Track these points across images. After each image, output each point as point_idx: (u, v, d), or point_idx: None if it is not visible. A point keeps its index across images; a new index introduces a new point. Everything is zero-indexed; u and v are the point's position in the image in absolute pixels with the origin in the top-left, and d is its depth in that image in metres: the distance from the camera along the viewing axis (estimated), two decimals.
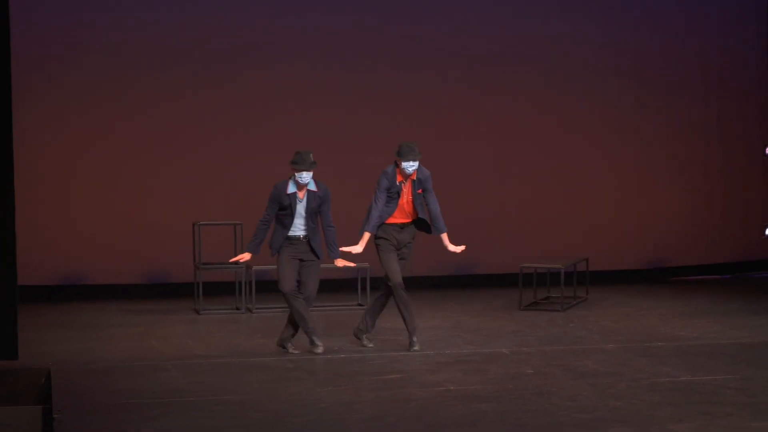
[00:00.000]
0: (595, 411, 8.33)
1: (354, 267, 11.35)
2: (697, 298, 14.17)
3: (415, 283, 14.87)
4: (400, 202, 10.72)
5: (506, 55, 15.48)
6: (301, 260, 10.68)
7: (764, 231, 16.22)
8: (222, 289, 14.01)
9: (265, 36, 14.90)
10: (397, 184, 10.71)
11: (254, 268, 13.33)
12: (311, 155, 10.63)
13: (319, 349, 10.56)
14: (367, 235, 10.67)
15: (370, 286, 13.51)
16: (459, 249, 11.03)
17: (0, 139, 9.92)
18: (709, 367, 9.92)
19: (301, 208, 10.65)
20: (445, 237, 10.93)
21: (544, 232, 15.47)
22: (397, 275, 10.62)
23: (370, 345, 10.93)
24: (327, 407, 8.54)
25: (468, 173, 15.38)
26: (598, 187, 15.79)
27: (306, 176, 10.63)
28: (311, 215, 10.68)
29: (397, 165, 10.70)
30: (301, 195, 10.67)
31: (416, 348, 10.69)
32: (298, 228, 10.68)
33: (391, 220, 10.75)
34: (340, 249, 10.78)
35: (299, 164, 10.58)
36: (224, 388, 9.20)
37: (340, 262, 10.93)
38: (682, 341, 11.21)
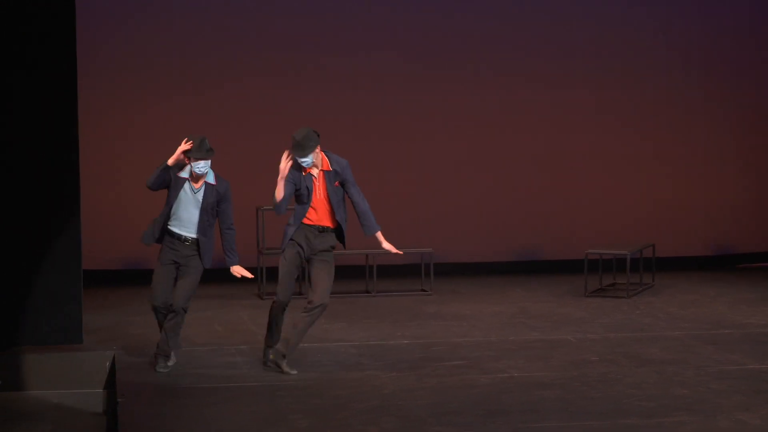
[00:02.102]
0: (661, 399, 8.24)
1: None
2: (765, 285, 13.99)
3: (480, 269, 14.88)
4: (312, 199, 9.19)
5: (558, 45, 15.32)
6: (177, 265, 9.45)
7: None
8: None
9: (317, 21, 14.89)
10: (307, 175, 9.19)
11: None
12: (207, 141, 9.24)
13: (161, 368, 9.34)
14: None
15: (434, 272, 13.47)
16: (393, 249, 9.42)
17: (65, 125, 10.04)
18: None
19: (192, 200, 9.32)
20: (379, 235, 9.36)
21: (610, 218, 15.35)
22: (282, 292, 9.31)
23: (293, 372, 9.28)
24: (389, 393, 8.52)
25: (535, 161, 15.30)
26: (665, 173, 15.64)
27: (203, 165, 9.24)
28: (207, 213, 9.33)
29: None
30: (197, 186, 9.33)
31: (289, 371, 9.20)
32: (186, 225, 9.38)
33: (308, 221, 9.25)
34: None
35: (193, 152, 9.19)
36: (286, 374, 9.19)
37: (238, 270, 9.60)
38: (750, 329, 11.07)
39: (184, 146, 9.23)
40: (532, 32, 15.29)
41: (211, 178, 9.34)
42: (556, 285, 14.08)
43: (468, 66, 15.19)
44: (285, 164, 9.11)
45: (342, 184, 9.25)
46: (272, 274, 13.60)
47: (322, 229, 9.23)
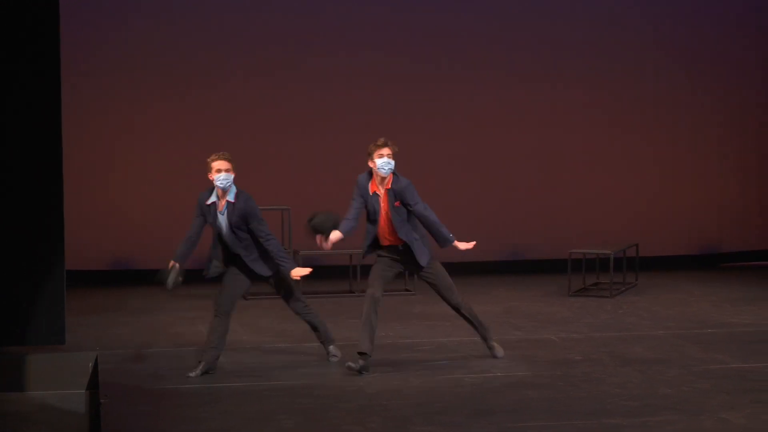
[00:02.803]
0: (645, 398, 8.24)
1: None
2: (749, 284, 14.03)
3: (465, 269, 14.84)
4: (378, 218, 9.25)
5: (551, 43, 15.40)
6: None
7: None
8: None
9: (313, 21, 14.89)
10: (373, 194, 9.27)
11: (301, 252, 13.34)
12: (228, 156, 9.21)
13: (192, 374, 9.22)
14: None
15: None
16: (470, 245, 9.42)
17: (49, 125, 9.99)
18: (762, 354, 9.80)
19: (222, 223, 9.26)
20: (456, 244, 9.40)
21: (594, 218, 15.38)
22: (373, 285, 9.32)
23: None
24: (375, 393, 8.51)
25: (518, 160, 15.32)
26: (649, 172, 15.68)
27: (224, 178, 9.16)
28: (237, 231, 9.25)
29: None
30: (221, 208, 9.27)
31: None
32: (232, 246, 9.27)
33: (385, 242, 9.36)
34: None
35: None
36: (273, 374, 9.19)
37: (297, 273, 9.32)
38: (735, 328, 11.09)
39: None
40: (519, 31, 15.32)
41: (231, 196, 9.23)
42: (540, 285, 14.09)
43: (456, 65, 15.22)
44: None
45: (403, 204, 9.21)
46: None
47: (402, 247, 9.27)
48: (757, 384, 8.66)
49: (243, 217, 9.18)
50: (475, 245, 9.47)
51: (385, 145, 9.19)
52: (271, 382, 8.92)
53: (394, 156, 9.24)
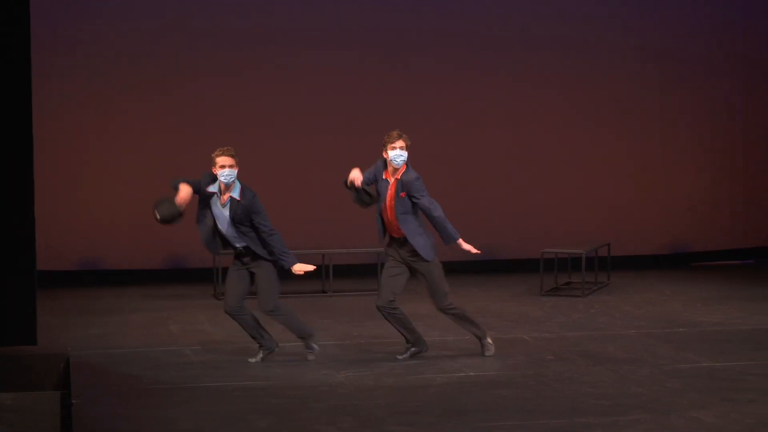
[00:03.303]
0: (616, 397, 8.27)
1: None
2: (719, 284, 14.09)
3: None
4: (382, 206, 9.49)
5: (525, 40, 15.43)
6: (249, 271, 9.53)
7: None
8: None
9: (282, 20, 14.87)
10: (384, 180, 9.52)
11: None
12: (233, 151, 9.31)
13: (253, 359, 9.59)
14: None
15: None
16: (473, 249, 9.59)
17: (19, 124, 9.93)
18: (731, 353, 9.85)
19: (222, 216, 9.36)
20: (460, 243, 9.58)
21: (566, 218, 15.42)
22: (382, 293, 9.54)
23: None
24: (347, 393, 8.50)
25: (489, 159, 15.35)
26: (620, 172, 15.72)
27: (228, 174, 9.28)
28: (239, 226, 9.34)
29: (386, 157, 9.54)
30: (223, 201, 9.37)
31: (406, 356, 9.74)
32: (231, 239, 9.39)
33: (393, 233, 9.57)
34: None
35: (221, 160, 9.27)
36: (244, 374, 9.18)
37: (299, 269, 9.44)
38: (705, 327, 11.14)
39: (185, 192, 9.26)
40: (493, 30, 15.35)
41: (236, 192, 9.30)
42: (512, 284, 14.11)
43: (430, 65, 15.21)
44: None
45: (409, 197, 9.39)
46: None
47: (405, 240, 9.45)
48: (727, 383, 8.70)
49: (247, 213, 9.28)
50: (479, 253, 9.67)
51: (399, 137, 9.46)
52: (243, 382, 8.90)
53: (408, 148, 9.48)
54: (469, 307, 12.30)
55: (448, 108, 15.22)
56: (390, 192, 9.45)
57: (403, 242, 9.49)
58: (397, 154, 9.44)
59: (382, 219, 9.55)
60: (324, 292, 13.49)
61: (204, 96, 14.66)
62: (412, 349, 9.73)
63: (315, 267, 9.61)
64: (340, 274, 13.88)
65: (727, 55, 15.97)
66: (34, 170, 9.98)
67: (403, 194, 9.40)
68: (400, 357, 9.70)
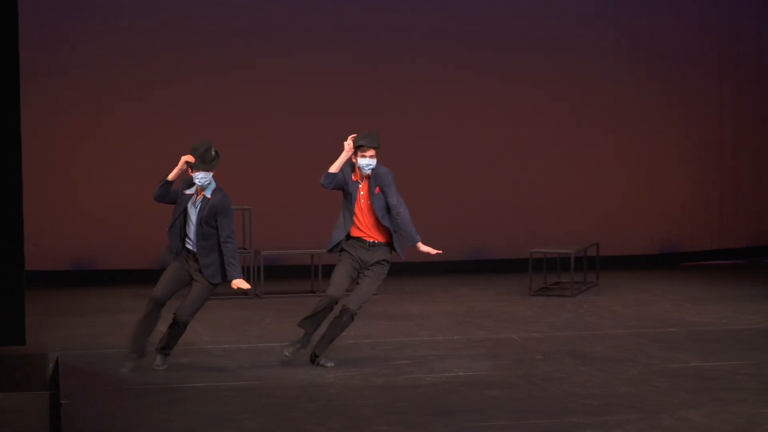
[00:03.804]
0: (606, 397, 8.27)
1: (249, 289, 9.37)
2: (709, 284, 14.11)
3: (427, 269, 14.88)
4: (355, 208, 9.29)
5: (515, 41, 15.44)
6: (191, 277, 9.27)
7: None
8: None
9: (274, 20, 14.86)
10: (354, 182, 9.32)
11: (263, 252, 13.35)
12: (212, 150, 9.08)
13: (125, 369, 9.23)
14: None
15: None
16: (434, 250, 9.33)
17: (8, 123, 9.92)
18: (721, 352, 9.87)
19: (193, 215, 9.17)
20: (419, 246, 9.34)
21: (555, 217, 15.44)
22: (335, 287, 9.32)
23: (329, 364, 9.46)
24: (337, 393, 8.50)
25: (479, 159, 15.36)
26: (610, 173, 15.74)
27: (202, 177, 9.09)
28: (203, 227, 9.12)
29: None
30: (198, 200, 9.20)
31: (327, 364, 9.41)
32: (192, 241, 9.18)
33: (356, 233, 9.36)
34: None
35: (194, 165, 9.06)
36: (234, 374, 9.17)
37: (236, 284, 9.15)
38: (694, 327, 11.15)
39: (187, 158, 9.12)
40: (483, 29, 15.37)
41: (209, 192, 9.13)
42: (501, 284, 14.12)
43: (418, 64, 15.23)
44: (350, 145, 9.23)
45: (382, 191, 9.24)
46: None
47: (372, 244, 9.28)
48: (717, 382, 8.71)
49: (213, 212, 9.09)
50: (440, 253, 9.39)
51: (371, 146, 9.24)
52: (232, 382, 8.89)
53: (378, 153, 9.30)
54: (458, 308, 12.39)
55: (438, 108, 15.22)
56: (364, 193, 9.31)
57: (372, 247, 9.29)
58: (366, 163, 9.25)
59: (349, 223, 9.32)
60: (313, 292, 13.49)
61: (193, 95, 14.64)
62: (299, 345, 9.45)
63: (250, 287, 9.32)
64: (329, 273, 13.83)
65: (717, 55, 15.99)
66: (23, 170, 9.97)
67: (377, 189, 9.28)
68: (287, 353, 9.41)
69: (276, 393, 8.51)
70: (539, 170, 15.51)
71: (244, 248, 13.22)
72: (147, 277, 14.49)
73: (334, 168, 9.28)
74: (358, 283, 9.38)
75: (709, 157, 16.07)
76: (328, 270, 13.72)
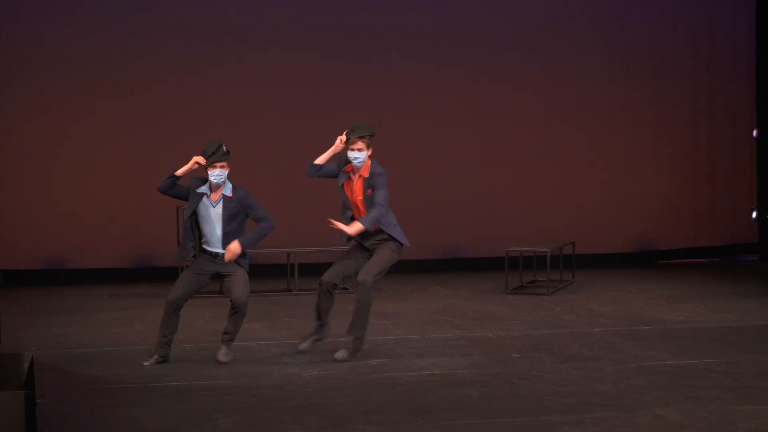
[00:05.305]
0: (582, 395, 8.29)
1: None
2: (684, 282, 14.16)
3: (402, 267, 14.84)
4: (352, 201, 9.42)
5: (491, 39, 15.45)
6: (219, 274, 9.48)
7: (751, 214, 16.25)
8: None
9: (253, 19, 14.84)
10: (344, 173, 9.45)
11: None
12: (223, 147, 9.25)
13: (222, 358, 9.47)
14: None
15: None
16: (345, 228, 9.36)
17: None
18: (696, 350, 9.90)
19: (212, 215, 9.31)
20: (354, 224, 9.35)
21: (531, 216, 15.45)
22: (328, 273, 9.54)
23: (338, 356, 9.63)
24: (312, 392, 8.49)
25: (454, 157, 15.36)
26: (585, 171, 15.77)
27: (218, 174, 9.26)
28: (231, 227, 9.30)
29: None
30: (214, 199, 9.36)
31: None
32: (214, 243, 9.35)
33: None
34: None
35: (208, 160, 9.22)
36: (209, 373, 9.15)
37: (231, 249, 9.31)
38: (669, 325, 11.19)
39: (198, 159, 9.26)
40: (458, 28, 15.36)
41: (228, 190, 9.29)
42: (477, 282, 14.14)
43: (394, 63, 15.22)
44: (341, 140, 9.37)
45: (372, 192, 9.36)
46: None
47: (374, 232, 9.42)
48: (692, 380, 8.74)
49: (243, 206, 9.30)
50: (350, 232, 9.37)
51: (359, 138, 9.33)
52: (207, 381, 8.88)
53: (370, 147, 9.39)
54: (434, 306, 12.39)
55: (413, 106, 15.22)
56: (358, 191, 9.42)
57: (371, 233, 9.44)
58: (354, 156, 9.36)
59: (353, 217, 9.49)
60: (289, 290, 13.47)
61: (171, 96, 14.60)
62: (314, 336, 9.65)
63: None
64: (306, 272, 13.84)
65: (692, 55, 16.03)
66: None
67: (369, 191, 9.39)
68: (302, 347, 9.61)
69: (251, 392, 8.50)
70: (515, 169, 15.53)
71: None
72: (122, 276, 14.51)
73: (319, 159, 9.45)
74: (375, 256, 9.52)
75: (685, 156, 16.11)
76: (304, 269, 13.79)
